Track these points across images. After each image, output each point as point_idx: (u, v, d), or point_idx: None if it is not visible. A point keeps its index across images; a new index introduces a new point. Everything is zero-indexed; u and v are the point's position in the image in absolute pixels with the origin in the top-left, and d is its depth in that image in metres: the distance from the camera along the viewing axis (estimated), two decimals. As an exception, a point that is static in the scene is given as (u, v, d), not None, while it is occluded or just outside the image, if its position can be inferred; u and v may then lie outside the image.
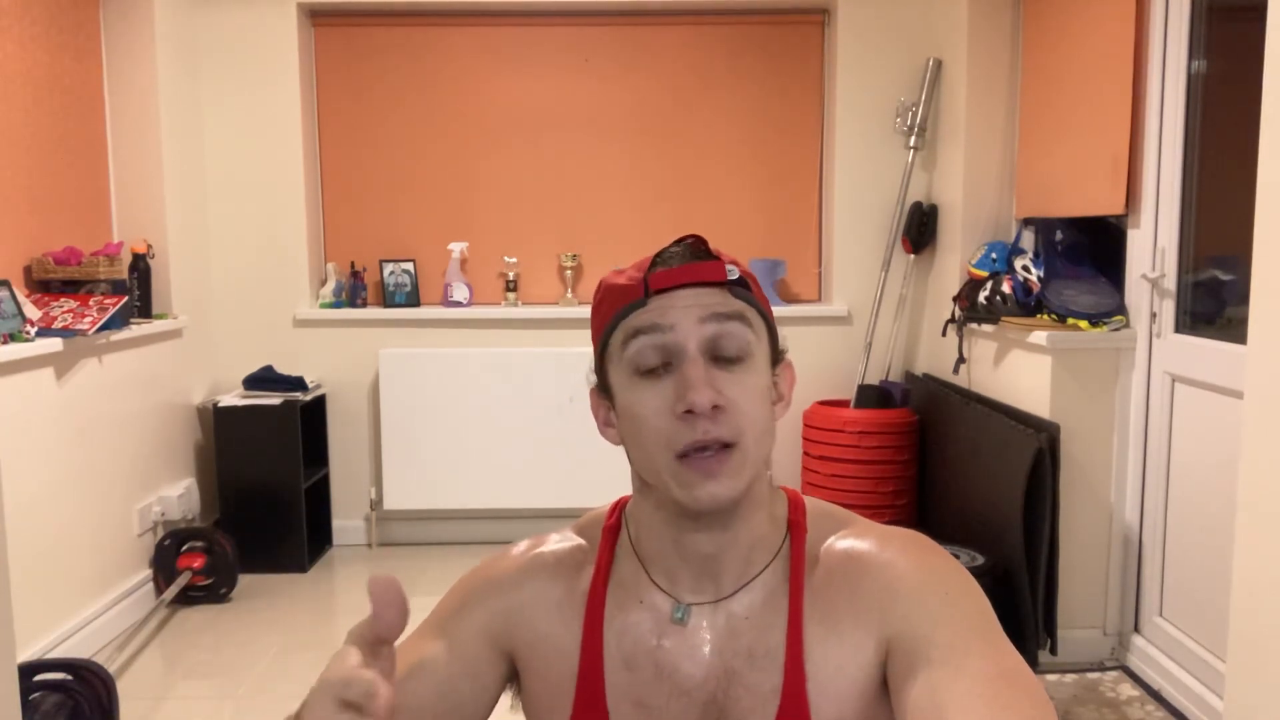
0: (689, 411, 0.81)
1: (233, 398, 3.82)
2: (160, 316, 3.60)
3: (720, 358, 0.84)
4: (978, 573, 2.79)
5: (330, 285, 4.11)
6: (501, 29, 4.13)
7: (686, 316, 0.84)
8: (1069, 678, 2.86)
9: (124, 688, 2.34)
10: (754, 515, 0.88)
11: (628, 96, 4.18)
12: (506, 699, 0.96)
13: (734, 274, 0.86)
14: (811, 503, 0.94)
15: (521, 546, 0.97)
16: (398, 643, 0.67)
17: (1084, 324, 2.90)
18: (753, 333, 0.86)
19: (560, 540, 0.97)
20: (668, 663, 0.88)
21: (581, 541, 0.96)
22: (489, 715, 0.93)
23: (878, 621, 0.82)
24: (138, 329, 3.37)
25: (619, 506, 0.97)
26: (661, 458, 0.84)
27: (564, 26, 4.14)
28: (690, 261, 0.86)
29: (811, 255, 4.27)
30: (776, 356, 0.90)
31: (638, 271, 0.87)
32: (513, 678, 0.94)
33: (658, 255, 0.88)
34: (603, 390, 0.91)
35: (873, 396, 3.77)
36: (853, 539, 0.88)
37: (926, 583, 0.82)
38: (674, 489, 0.84)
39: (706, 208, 4.21)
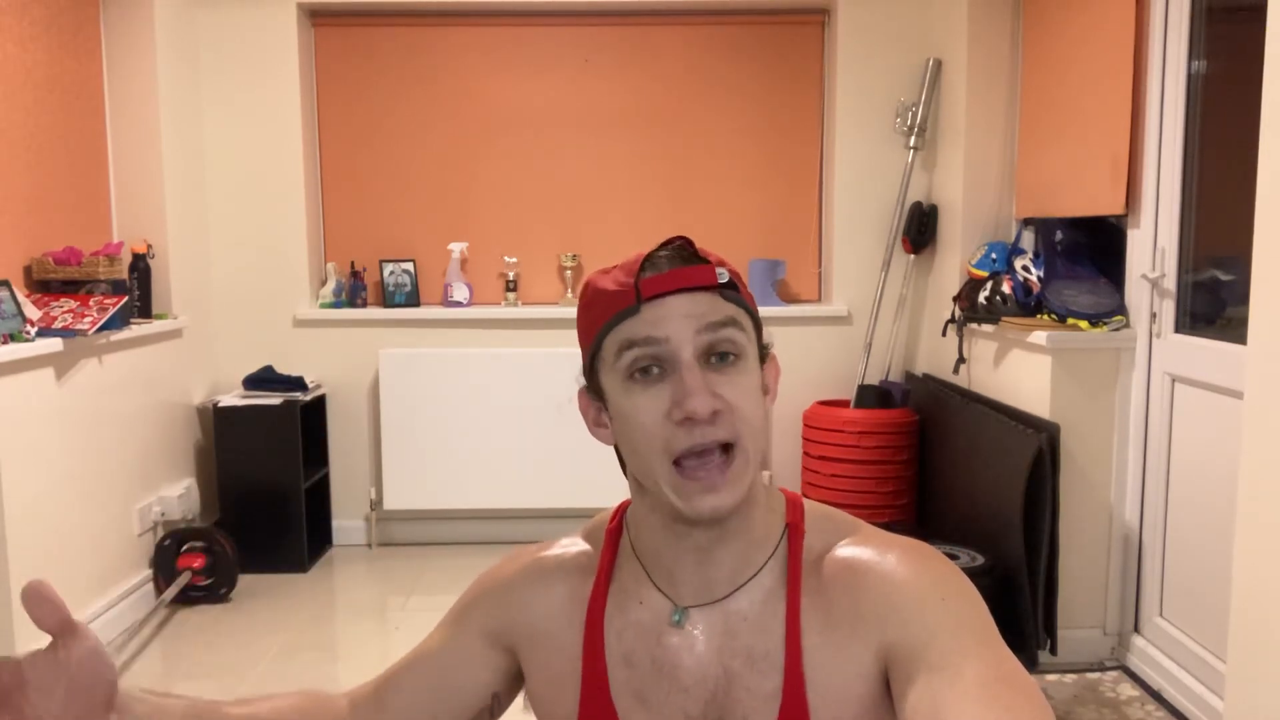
0: (688, 418, 0.82)
1: (233, 398, 3.82)
2: (160, 316, 3.60)
3: (715, 361, 0.85)
4: (978, 573, 2.79)
5: (330, 285, 4.11)
6: (501, 29, 4.13)
7: (682, 327, 0.84)
8: (1069, 678, 2.86)
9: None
10: (750, 513, 0.89)
11: (627, 97, 4.17)
12: (519, 701, 0.99)
13: (724, 277, 0.86)
14: (811, 505, 0.94)
15: (528, 550, 1.00)
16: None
17: (1084, 324, 2.90)
18: (744, 334, 0.87)
19: (565, 544, 0.99)
20: (667, 660, 0.89)
21: (586, 546, 0.98)
22: (487, 706, 0.97)
23: (876, 630, 0.83)
24: (138, 329, 3.37)
25: (621, 510, 0.98)
26: (659, 464, 0.84)
27: (564, 26, 4.14)
28: (680, 266, 0.85)
29: (811, 255, 4.27)
30: (764, 352, 0.91)
31: (626, 276, 0.86)
32: (519, 676, 0.97)
33: (646, 259, 0.86)
34: (593, 391, 0.91)
35: (873, 396, 3.77)
36: (853, 547, 0.88)
37: (924, 590, 0.83)
38: (672, 497, 0.84)
39: (706, 207, 4.21)
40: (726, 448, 0.83)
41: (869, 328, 3.93)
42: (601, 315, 0.87)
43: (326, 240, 4.23)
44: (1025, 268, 3.22)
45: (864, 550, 0.87)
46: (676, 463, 0.83)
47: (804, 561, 0.89)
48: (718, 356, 0.84)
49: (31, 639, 0.67)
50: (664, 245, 0.88)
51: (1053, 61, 3.25)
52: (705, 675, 0.88)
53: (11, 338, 2.78)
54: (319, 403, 4.02)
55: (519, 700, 0.99)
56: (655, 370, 0.84)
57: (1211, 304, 2.75)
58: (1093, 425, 2.92)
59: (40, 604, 0.71)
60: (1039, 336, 2.94)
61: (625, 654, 0.91)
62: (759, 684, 0.86)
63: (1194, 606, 2.67)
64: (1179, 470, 2.74)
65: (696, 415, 0.81)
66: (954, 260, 3.65)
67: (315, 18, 4.13)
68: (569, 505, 3.80)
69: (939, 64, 3.81)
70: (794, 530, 0.91)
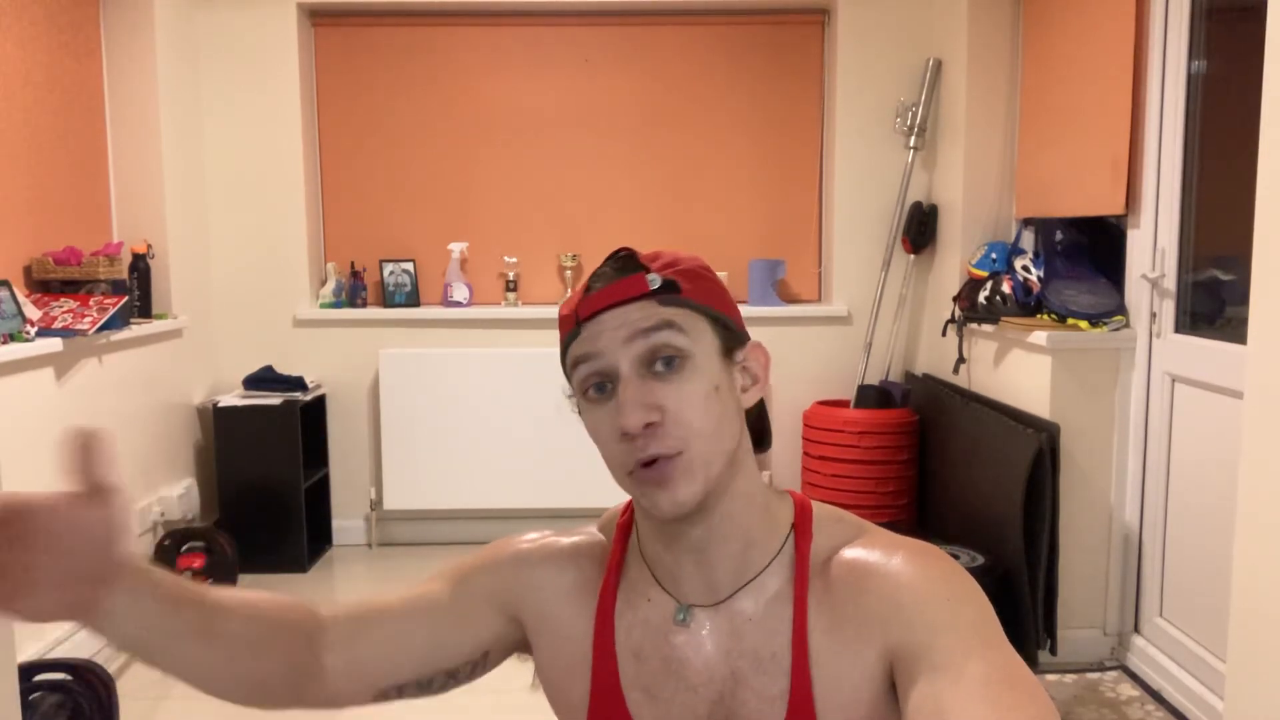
0: (624, 434, 0.84)
1: (233, 398, 3.82)
2: (160, 316, 3.60)
3: (660, 368, 0.85)
4: (977, 573, 2.79)
5: (330, 285, 4.11)
6: (501, 29, 4.14)
7: (613, 340, 0.85)
8: (1069, 678, 2.86)
9: (124, 688, 2.34)
10: (737, 508, 0.89)
11: (627, 96, 4.18)
12: (504, 666, 1.01)
13: (655, 283, 0.86)
14: (820, 508, 0.94)
15: (545, 531, 1.02)
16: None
17: (1084, 324, 2.90)
18: (685, 336, 0.86)
19: (580, 533, 1.01)
20: (675, 658, 0.90)
21: (600, 537, 1.00)
22: (470, 664, 0.97)
23: (880, 632, 0.83)
24: (138, 329, 3.37)
25: (631, 505, 0.99)
26: (620, 477, 0.87)
27: (564, 26, 4.14)
28: (613, 281, 0.87)
29: (811, 255, 4.27)
30: (734, 344, 0.90)
31: (577, 297, 0.90)
32: (522, 648, 0.99)
33: (590, 279, 0.90)
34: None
35: (873, 396, 3.77)
36: (859, 548, 0.88)
37: (929, 591, 0.83)
38: (640, 500, 0.87)
39: (706, 208, 4.21)
40: (671, 457, 0.84)
41: (869, 328, 3.93)
42: (560, 340, 0.91)
43: (326, 240, 4.23)
44: (1025, 268, 3.22)
45: (870, 551, 0.87)
46: (630, 474, 0.86)
47: (811, 563, 0.89)
48: (662, 362, 0.85)
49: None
50: (608, 260, 0.91)
51: (1053, 61, 3.25)
52: (713, 676, 0.89)
53: (11, 338, 2.78)
54: (319, 403, 4.03)
55: (528, 680, 1.00)
56: (606, 387, 0.86)
57: (1211, 304, 2.75)
58: (1093, 425, 2.92)
59: (83, 453, 0.70)
60: (1039, 336, 2.94)
61: (634, 649, 0.92)
62: (766, 685, 0.86)
63: (1194, 606, 2.67)
64: (1179, 470, 2.74)
65: (629, 429, 0.83)
66: (954, 260, 3.65)
67: (315, 18, 4.13)
68: (569, 505, 3.80)
69: (939, 64, 3.81)
70: (800, 532, 0.91)
